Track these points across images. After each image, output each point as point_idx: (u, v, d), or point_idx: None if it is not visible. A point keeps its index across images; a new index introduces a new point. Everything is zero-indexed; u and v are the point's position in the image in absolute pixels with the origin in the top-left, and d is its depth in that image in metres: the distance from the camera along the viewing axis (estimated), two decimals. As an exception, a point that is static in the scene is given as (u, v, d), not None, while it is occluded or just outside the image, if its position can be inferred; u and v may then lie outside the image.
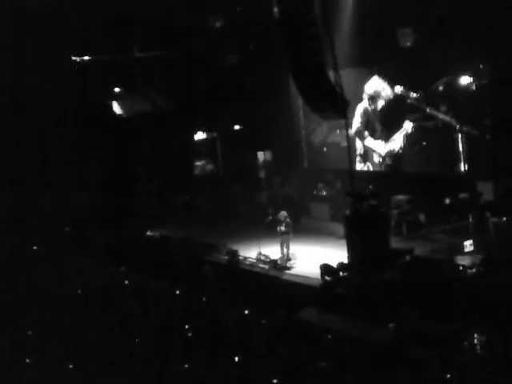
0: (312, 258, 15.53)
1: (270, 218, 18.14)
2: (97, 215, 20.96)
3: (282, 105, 22.07)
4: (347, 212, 15.32)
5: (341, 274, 13.91)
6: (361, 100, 19.60)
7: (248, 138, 23.38)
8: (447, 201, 16.43)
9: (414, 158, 18.55)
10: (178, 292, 13.36)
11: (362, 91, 19.50)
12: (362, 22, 18.25)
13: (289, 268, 15.39)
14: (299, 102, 19.95)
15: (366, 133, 19.75)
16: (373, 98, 19.38)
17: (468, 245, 14.31)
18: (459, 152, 16.89)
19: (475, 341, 9.99)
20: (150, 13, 21.06)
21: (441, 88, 17.27)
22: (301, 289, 14.10)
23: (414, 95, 17.90)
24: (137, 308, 12.74)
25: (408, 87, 18.12)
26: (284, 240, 15.79)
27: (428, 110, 17.56)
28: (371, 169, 19.79)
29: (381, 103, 19.25)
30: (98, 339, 11.40)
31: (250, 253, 16.50)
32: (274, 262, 15.64)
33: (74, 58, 22.30)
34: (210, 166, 24.68)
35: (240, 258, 16.36)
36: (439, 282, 12.29)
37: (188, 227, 20.21)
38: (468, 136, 16.61)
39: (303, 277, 14.62)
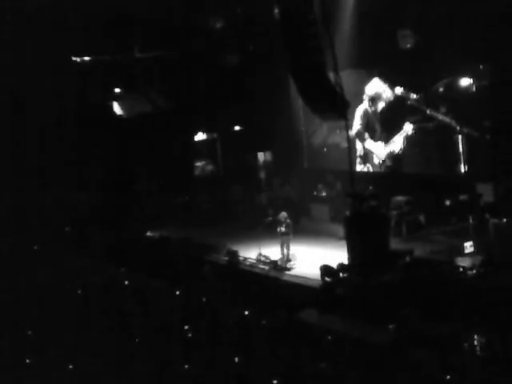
0: (312, 258, 15.53)
1: (270, 218, 18.17)
2: (97, 215, 20.96)
3: (282, 105, 22.07)
4: (347, 213, 15.32)
5: (341, 274, 13.91)
6: (360, 101, 19.60)
7: (248, 138, 23.38)
8: (447, 202, 16.45)
9: (414, 159, 18.56)
10: (177, 292, 13.36)
11: (361, 92, 19.49)
12: (362, 22, 18.26)
13: (289, 269, 15.40)
14: (299, 102, 19.95)
15: (367, 135, 19.74)
16: (373, 100, 19.38)
17: (468, 246, 14.32)
18: (459, 153, 16.90)
19: (475, 342, 9.99)
20: (150, 13, 21.07)
21: (441, 89, 17.28)
22: (301, 290, 14.11)
23: (414, 96, 17.91)
24: (137, 308, 12.74)
25: (408, 88, 18.13)
26: (284, 241, 15.80)
27: (428, 111, 17.57)
28: (371, 170, 19.79)
29: (381, 105, 19.25)
30: (97, 339, 11.40)
31: (249, 253, 16.51)
32: (274, 262, 15.65)
33: (74, 58, 22.31)
34: (210, 167, 24.68)
35: (240, 258, 16.37)
36: (439, 283, 12.31)
37: (188, 227, 20.20)
38: (468, 137, 16.61)
39: (303, 278, 14.63)
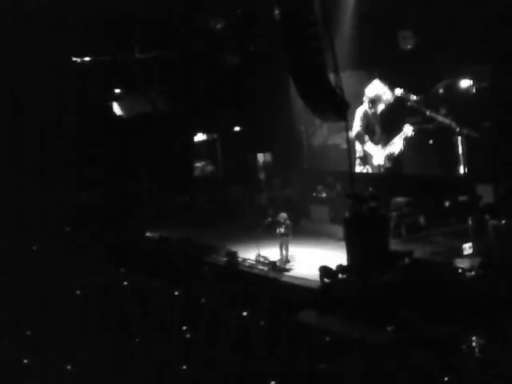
0: (311, 259, 15.53)
1: (270, 219, 18.14)
2: (97, 215, 20.96)
3: (282, 106, 22.05)
4: (347, 214, 15.33)
5: (340, 276, 13.92)
6: (360, 103, 19.60)
7: (248, 139, 23.38)
8: (447, 203, 16.46)
9: (414, 160, 18.57)
10: (177, 293, 13.37)
11: (361, 94, 19.49)
12: (363, 22, 18.26)
13: (288, 270, 15.40)
14: (299, 103, 19.91)
15: (367, 137, 19.72)
16: (373, 102, 19.38)
17: (467, 247, 14.33)
18: (459, 154, 16.90)
19: (473, 343, 10.00)
20: (150, 13, 21.08)
21: (441, 91, 17.29)
22: (300, 291, 14.10)
23: (414, 98, 17.91)
24: (136, 308, 12.75)
25: (408, 90, 18.13)
26: (283, 242, 15.79)
27: (428, 112, 17.58)
28: (371, 171, 19.79)
29: (381, 107, 19.26)
30: (98, 339, 11.40)
31: (249, 254, 16.51)
32: (273, 263, 15.65)
33: (74, 58, 22.32)
34: (209, 167, 24.69)
35: (239, 259, 16.38)
36: (438, 284, 12.31)
37: (188, 228, 20.19)
38: (468, 139, 16.62)
39: (302, 279, 14.63)
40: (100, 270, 15.81)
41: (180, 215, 21.87)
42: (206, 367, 10.06)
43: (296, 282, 14.63)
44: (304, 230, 18.30)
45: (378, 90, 19.18)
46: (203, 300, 13.00)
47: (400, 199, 17.50)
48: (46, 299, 13.36)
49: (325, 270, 13.99)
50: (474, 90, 16.38)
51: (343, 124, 16.45)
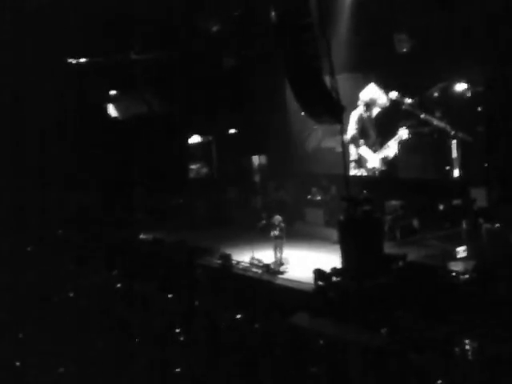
0: (305, 262, 15.49)
1: (264, 222, 18.13)
2: (96, 215, 20.93)
3: (278, 109, 22.06)
4: (341, 217, 15.31)
5: (334, 278, 13.89)
6: (356, 106, 19.60)
7: (243, 141, 23.36)
8: (441, 207, 16.48)
9: (409, 163, 18.55)
10: (170, 295, 13.35)
11: (357, 97, 19.50)
12: (359, 25, 18.26)
13: (282, 273, 15.34)
14: (295, 106, 19.93)
15: (362, 141, 19.72)
16: (368, 106, 19.39)
17: (461, 251, 14.32)
18: (453, 158, 16.92)
19: (469, 345, 9.99)
20: (150, 13, 21.06)
21: (436, 94, 17.31)
22: (293, 293, 14.08)
23: (409, 101, 17.93)
24: (129, 311, 12.73)
25: (403, 93, 18.15)
26: (277, 244, 15.75)
27: (423, 115, 17.59)
28: (365, 174, 19.78)
29: (376, 110, 19.27)
30: (97, 339, 11.39)
31: (243, 257, 16.46)
32: (267, 266, 15.60)
33: (73, 58, 22.29)
34: (204, 170, 24.65)
35: (233, 262, 16.34)
36: (432, 287, 12.30)
37: (182, 230, 20.17)
38: (462, 142, 16.65)
39: (296, 281, 14.59)
40: (96, 272, 15.77)
41: (174, 217, 21.82)
42: (207, 367, 10.06)
43: (290, 284, 14.58)
44: (298, 232, 18.25)
45: (373, 93, 19.18)
46: (197, 302, 12.98)
47: (394, 202, 17.48)
48: (45, 299, 13.36)
49: (319, 273, 13.95)
50: (469, 94, 16.41)
51: (338, 127, 16.45)
